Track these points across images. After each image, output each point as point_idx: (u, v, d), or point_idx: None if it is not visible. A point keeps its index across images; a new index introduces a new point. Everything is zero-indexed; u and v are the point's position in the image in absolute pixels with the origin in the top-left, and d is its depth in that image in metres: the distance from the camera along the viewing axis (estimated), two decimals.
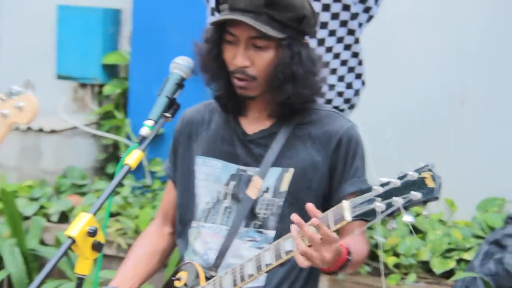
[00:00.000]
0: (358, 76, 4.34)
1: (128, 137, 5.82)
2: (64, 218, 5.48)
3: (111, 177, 6.01)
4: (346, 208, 2.07)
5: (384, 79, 5.27)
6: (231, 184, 2.46)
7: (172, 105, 2.28)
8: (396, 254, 4.79)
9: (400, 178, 1.99)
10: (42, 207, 5.63)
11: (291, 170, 2.41)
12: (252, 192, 2.41)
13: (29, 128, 6.00)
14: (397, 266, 4.74)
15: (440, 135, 5.30)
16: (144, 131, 2.22)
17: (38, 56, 6.47)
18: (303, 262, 2.10)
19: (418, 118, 5.33)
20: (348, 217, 2.06)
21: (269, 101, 2.44)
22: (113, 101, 6.15)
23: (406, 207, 1.97)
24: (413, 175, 1.97)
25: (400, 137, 5.22)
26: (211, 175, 2.50)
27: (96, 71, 6.07)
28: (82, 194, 5.78)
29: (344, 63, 4.27)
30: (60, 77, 6.20)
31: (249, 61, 2.35)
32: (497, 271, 4.29)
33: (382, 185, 2.00)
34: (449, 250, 4.78)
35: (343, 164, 2.42)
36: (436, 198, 1.96)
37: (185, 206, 2.55)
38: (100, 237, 2.07)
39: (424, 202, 1.97)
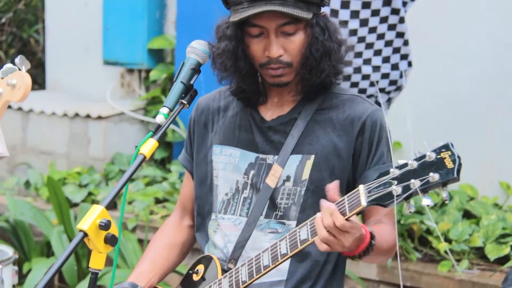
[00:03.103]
0: (404, 57, 4.19)
1: (175, 123, 5.74)
2: (112, 204, 5.44)
3: (159, 163, 5.98)
4: (362, 192, 1.97)
5: (432, 58, 5.11)
6: (250, 174, 2.35)
7: (189, 91, 2.17)
8: (448, 240, 4.63)
9: (418, 159, 1.87)
10: (90, 194, 5.64)
11: (312, 157, 2.30)
12: (271, 181, 2.30)
13: (76, 115, 6.00)
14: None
15: (493, 115, 5.10)
16: (159, 119, 2.12)
17: (85, 42, 6.46)
18: (321, 246, 2.02)
19: (468, 97, 5.15)
20: (364, 202, 1.95)
21: (296, 83, 2.33)
22: (159, 86, 6.10)
23: (425, 190, 1.86)
24: (430, 156, 1.85)
25: (450, 116, 5.07)
26: (229, 164, 2.39)
27: (142, 56, 6.03)
28: (130, 180, 5.73)
29: (388, 43, 4.12)
30: (107, 62, 6.18)
31: (282, 49, 2.25)
32: None
33: (399, 167, 1.90)
34: (503, 236, 4.59)
35: (368, 150, 2.30)
36: (456, 179, 1.83)
37: (203, 198, 2.46)
38: (113, 230, 1.98)
39: (443, 184, 1.85)
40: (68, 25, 6.55)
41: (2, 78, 2.12)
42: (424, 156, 1.87)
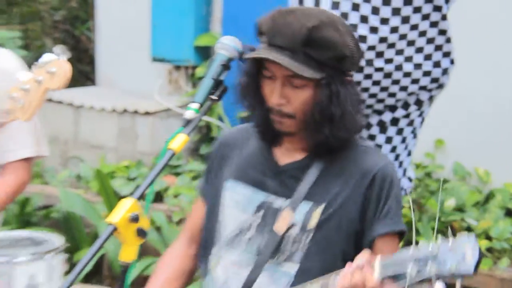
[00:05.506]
0: (446, 54, 4.16)
1: (220, 119, 5.84)
2: (159, 198, 5.57)
3: (204, 158, 6.05)
4: (377, 266, 1.96)
5: (483, 59, 5.06)
6: (258, 215, 2.33)
7: (218, 87, 2.19)
8: (489, 238, 4.62)
9: (439, 245, 1.88)
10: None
11: (322, 206, 2.28)
12: (280, 227, 2.28)
13: (125, 110, 6.12)
14: (489, 250, 4.57)
15: None
16: (189, 114, 2.12)
17: (134, 39, 6.56)
18: None
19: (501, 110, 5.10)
20: (377, 275, 1.95)
21: (305, 137, 2.31)
22: None
23: (439, 277, 1.86)
24: (452, 245, 1.86)
25: (497, 117, 5.03)
26: (238, 202, 2.37)
27: (189, 53, 6.12)
28: (177, 174, 5.85)
29: (430, 41, 4.11)
30: (155, 59, 6.28)
31: (285, 99, 2.22)
32: None
33: (419, 248, 1.90)
34: None
35: (376, 204, 2.27)
36: (471, 276, 1.83)
37: (210, 230, 2.43)
38: (143, 223, 2.00)
39: (459, 276, 1.85)
40: (118, 22, 6.66)
41: (42, 67, 2.16)
42: (446, 243, 1.87)
